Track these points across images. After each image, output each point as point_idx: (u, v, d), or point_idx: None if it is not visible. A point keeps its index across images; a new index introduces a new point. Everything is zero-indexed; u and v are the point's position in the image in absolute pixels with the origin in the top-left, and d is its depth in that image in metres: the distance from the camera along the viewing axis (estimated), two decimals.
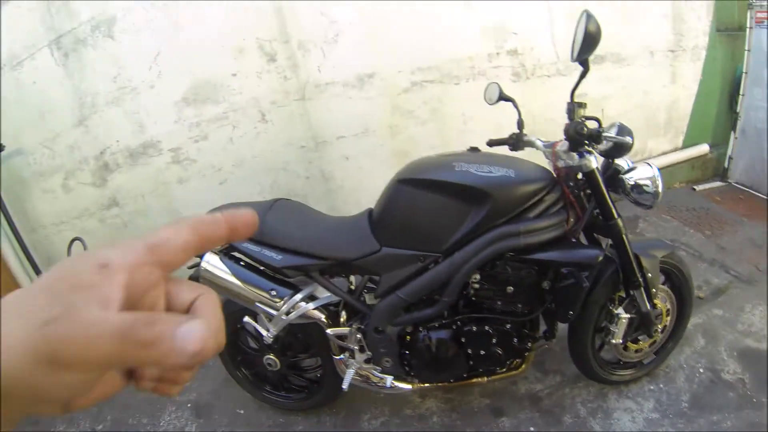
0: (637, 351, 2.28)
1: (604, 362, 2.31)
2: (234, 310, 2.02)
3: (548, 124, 3.43)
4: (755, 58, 3.74)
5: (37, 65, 2.68)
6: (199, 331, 0.31)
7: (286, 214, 2.01)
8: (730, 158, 4.23)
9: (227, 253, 1.96)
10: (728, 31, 3.94)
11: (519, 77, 3.37)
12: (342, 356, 2.05)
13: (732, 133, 4.14)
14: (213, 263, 1.90)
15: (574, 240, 1.91)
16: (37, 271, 2.93)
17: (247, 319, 2.02)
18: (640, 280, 1.98)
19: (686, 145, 4.22)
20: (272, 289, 1.90)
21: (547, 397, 2.41)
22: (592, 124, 1.77)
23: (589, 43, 1.58)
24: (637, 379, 2.41)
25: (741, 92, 3.92)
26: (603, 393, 2.38)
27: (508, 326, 1.94)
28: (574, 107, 1.79)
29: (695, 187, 4.24)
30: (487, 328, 1.92)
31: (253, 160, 2.98)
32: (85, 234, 2.82)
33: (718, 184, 4.30)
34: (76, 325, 0.28)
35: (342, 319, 2.02)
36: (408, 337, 1.99)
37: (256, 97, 2.85)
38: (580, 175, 1.85)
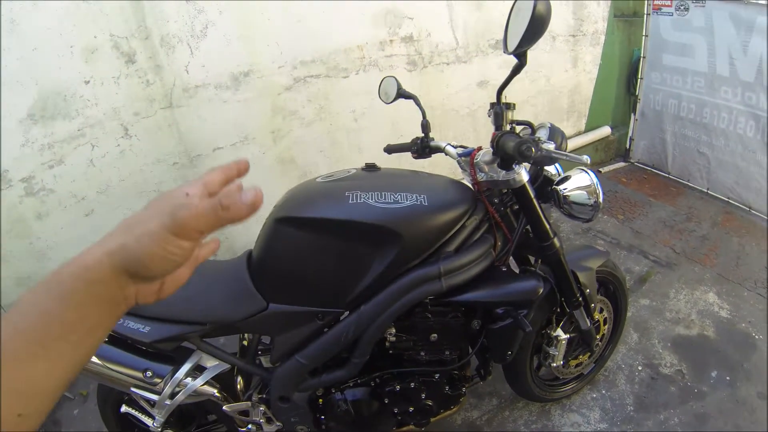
0: (577, 365, 2.06)
1: (543, 382, 2.08)
2: (106, 397, 1.69)
3: (449, 116, 3.21)
4: (653, 43, 3.82)
5: None
6: (254, 192, 0.51)
7: None
8: (632, 139, 4.31)
9: None
10: (625, 17, 4.00)
11: (415, 66, 3.01)
12: (248, 427, 1.64)
13: (632, 115, 4.23)
14: None
15: (504, 269, 1.56)
16: None
17: (124, 408, 1.58)
18: (580, 299, 1.73)
19: (589, 128, 4.21)
20: (146, 369, 1.45)
21: (486, 424, 2.16)
22: (518, 132, 1.46)
23: (535, 29, 1.14)
24: (578, 390, 2.24)
25: (639, 76, 3.99)
26: (546, 411, 2.19)
27: (437, 376, 1.58)
28: (502, 110, 1.41)
29: (600, 169, 4.27)
30: (412, 384, 1.55)
31: (120, 184, 2.46)
32: None
33: (621, 164, 4.36)
34: (190, 209, 0.49)
35: (240, 387, 1.64)
36: (320, 399, 1.61)
37: (115, 108, 2.32)
38: (505, 190, 1.52)
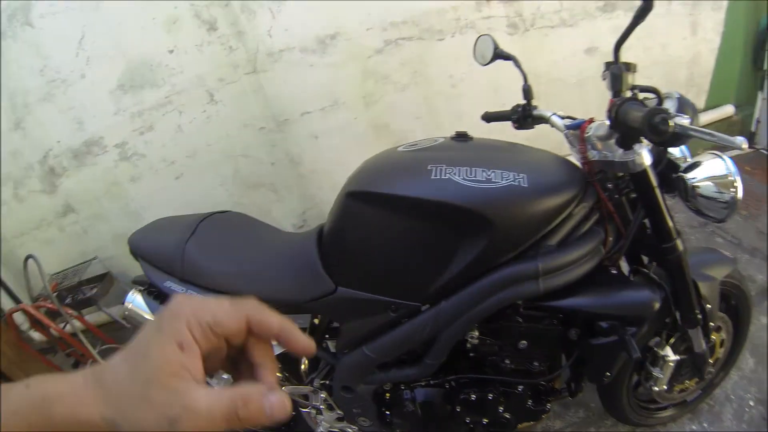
0: (681, 390, 1.76)
1: (639, 403, 1.80)
2: None
3: (554, 86, 2.89)
4: None
5: None
6: (281, 402, 0.40)
7: (217, 239, 1.48)
8: (758, 121, 3.71)
9: (152, 291, 1.51)
10: None
11: (516, 29, 2.72)
12: (308, 410, 1.55)
13: (759, 93, 3.63)
14: (136, 303, 1.52)
15: (614, 271, 1.30)
16: (4, 287, 2.89)
17: None
18: (699, 316, 1.42)
19: (709, 106, 3.66)
20: None
21: None
22: (642, 99, 1.14)
23: None
24: (677, 418, 1.92)
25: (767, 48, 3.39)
26: None
27: (520, 388, 1.38)
28: (620, 71, 1.11)
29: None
30: (490, 395, 1.36)
31: (207, 148, 2.52)
32: (46, 245, 2.82)
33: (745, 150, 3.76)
34: (193, 419, 0.37)
35: (304, 368, 1.54)
36: (387, 394, 1.46)
37: (200, 75, 2.35)
38: (621, 173, 1.25)
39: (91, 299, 2.46)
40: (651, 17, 2.88)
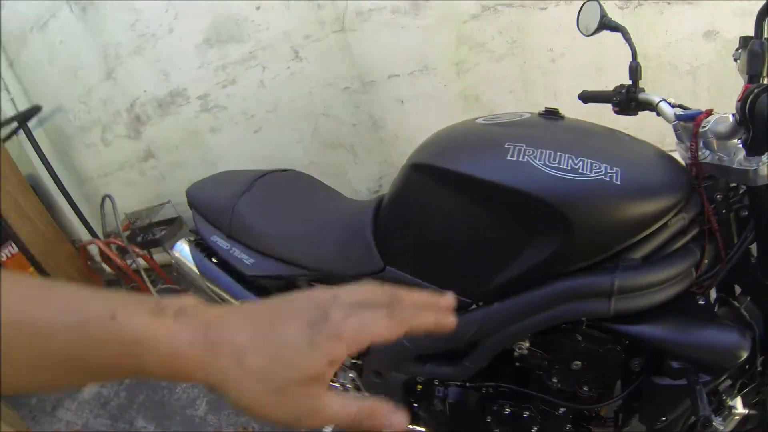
0: None
1: None
2: None
3: (663, 71, 2.52)
4: None
5: (60, 24, 2.72)
6: (400, 422, 0.39)
7: (271, 198, 1.43)
8: None
9: (200, 244, 1.50)
10: None
11: (628, 2, 2.37)
12: (335, 385, 1.50)
13: None
14: (183, 253, 1.51)
15: (701, 301, 1.07)
16: (84, 222, 3.14)
17: None
18: None
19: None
20: (243, 301, 1.36)
21: None
22: None
23: None
24: None
25: None
26: None
27: (562, 411, 1.21)
28: (763, 49, 0.84)
29: None
30: (526, 413, 1.21)
31: (289, 104, 2.49)
32: (128, 185, 3.09)
33: None
34: (320, 419, 0.38)
35: None
36: (419, 386, 1.37)
37: (286, 32, 2.30)
38: (735, 183, 1.02)
39: (159, 240, 2.60)
40: None
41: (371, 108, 2.43)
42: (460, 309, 1.12)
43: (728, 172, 0.95)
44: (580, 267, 1.00)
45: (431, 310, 0.43)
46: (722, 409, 1.22)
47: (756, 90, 0.81)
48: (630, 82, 1.21)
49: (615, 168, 0.95)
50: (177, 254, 1.50)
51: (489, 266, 1.06)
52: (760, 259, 1.04)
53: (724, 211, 1.02)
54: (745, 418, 1.25)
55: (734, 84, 3.02)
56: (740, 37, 0.91)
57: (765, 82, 0.84)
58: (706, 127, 0.95)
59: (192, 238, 1.54)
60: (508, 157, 0.98)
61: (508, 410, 1.21)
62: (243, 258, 1.32)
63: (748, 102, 0.82)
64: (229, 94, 2.50)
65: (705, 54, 2.56)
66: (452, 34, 2.28)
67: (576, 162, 0.96)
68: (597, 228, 0.97)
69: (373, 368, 1.33)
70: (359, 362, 1.38)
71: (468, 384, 1.27)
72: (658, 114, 1.12)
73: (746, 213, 1.03)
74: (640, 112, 1.23)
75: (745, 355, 1.00)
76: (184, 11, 2.39)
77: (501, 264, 1.04)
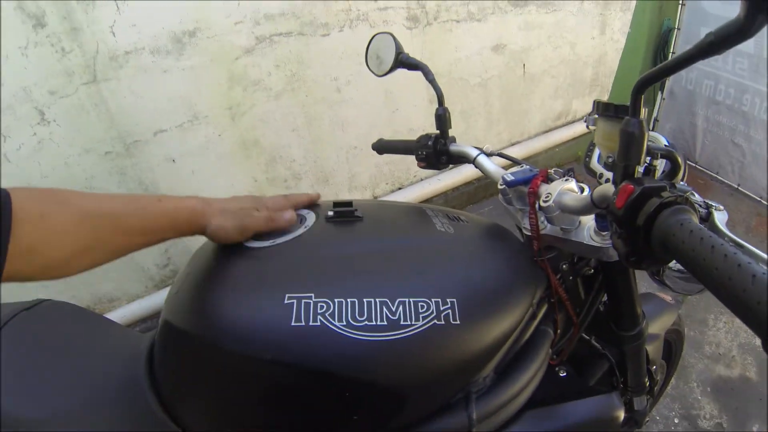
0: None
1: None
2: None
3: (456, 86, 2.59)
4: (690, 14, 3.23)
5: None
6: (289, 214, 0.78)
7: (21, 363, 0.90)
8: (656, 120, 3.75)
9: None
10: None
11: (417, 22, 2.34)
12: None
13: (659, 93, 3.65)
14: None
15: (562, 374, 0.96)
16: None
17: None
18: (647, 383, 1.17)
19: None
20: None
21: None
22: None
23: None
24: None
25: (671, 49, 3.44)
26: None
27: None
28: (639, 129, 0.59)
29: None
30: None
31: (43, 181, 1.90)
32: None
33: None
34: (252, 220, 0.74)
35: None
36: None
37: (25, 88, 1.75)
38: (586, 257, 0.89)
39: None
40: (564, 14, 2.63)
41: (140, 172, 2.02)
42: None
43: (576, 247, 0.79)
44: (426, 414, 0.74)
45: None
46: None
47: (635, 186, 0.56)
48: (437, 132, 1.03)
49: (449, 300, 0.69)
50: None
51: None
52: (612, 314, 0.97)
53: (570, 278, 0.89)
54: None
55: (522, 90, 3.06)
56: (595, 101, 0.74)
57: (638, 174, 0.64)
58: (549, 201, 0.75)
59: None
60: (293, 323, 0.64)
61: None
62: None
63: (632, 200, 0.56)
64: None
65: (495, 66, 2.77)
66: (223, 73, 1.99)
67: (394, 308, 0.67)
68: (437, 379, 0.71)
69: None
70: None
71: None
72: (480, 170, 0.96)
73: (592, 271, 0.92)
74: (452, 166, 1.08)
75: (622, 415, 0.93)
76: None
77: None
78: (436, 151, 1.02)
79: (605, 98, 3.28)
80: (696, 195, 0.74)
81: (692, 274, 0.48)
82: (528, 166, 0.84)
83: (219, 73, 1.98)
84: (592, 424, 0.89)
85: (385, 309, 0.66)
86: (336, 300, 0.66)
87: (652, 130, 3.37)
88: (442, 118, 1.00)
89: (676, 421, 1.92)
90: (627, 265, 0.59)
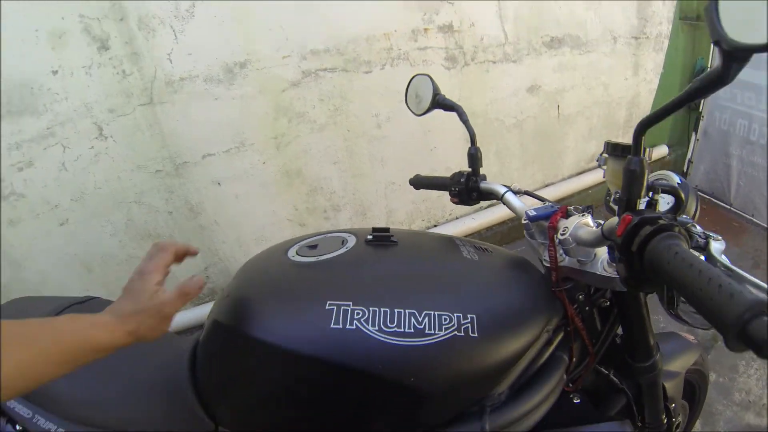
0: None
1: None
2: None
3: (491, 126, 2.66)
4: None
5: None
6: (198, 280, 0.75)
7: None
8: (690, 162, 3.70)
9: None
10: (690, 20, 3.37)
11: (455, 63, 2.43)
12: None
13: (693, 134, 3.62)
14: None
15: (577, 401, 1.01)
16: None
17: None
18: (665, 421, 1.18)
19: (644, 145, 3.56)
20: None
21: None
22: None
23: None
24: None
25: None
26: None
27: None
28: (641, 169, 0.68)
29: None
30: None
31: (96, 191, 2.04)
32: None
33: None
34: (172, 305, 0.72)
35: None
36: None
37: (87, 104, 1.89)
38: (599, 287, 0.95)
39: None
40: (598, 56, 2.68)
41: (186, 193, 2.15)
42: None
43: (590, 278, 0.85)
44: (443, 422, 0.82)
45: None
46: None
47: (633, 217, 0.64)
48: (469, 170, 1.11)
49: (469, 315, 0.78)
50: None
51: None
52: (627, 345, 1.01)
53: (587, 308, 0.95)
54: None
55: (557, 131, 3.09)
56: (605, 143, 0.83)
57: (640, 206, 0.72)
58: (566, 234, 0.83)
59: None
60: (332, 325, 0.74)
61: None
62: (50, 429, 0.95)
63: (628, 230, 0.64)
64: (26, 179, 1.98)
65: (529, 107, 2.83)
66: (270, 104, 2.11)
67: (420, 319, 0.76)
68: (455, 387, 0.79)
69: None
70: None
71: None
72: (507, 206, 1.03)
73: (608, 303, 0.97)
74: (483, 202, 1.13)
75: None
76: None
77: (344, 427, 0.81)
78: (467, 188, 1.10)
79: None
80: (697, 227, 0.79)
81: (681, 294, 0.55)
82: (551, 204, 0.92)
83: (266, 104, 2.08)
84: None
85: (412, 319, 0.75)
86: (371, 309, 0.76)
87: (686, 171, 3.36)
88: (474, 157, 1.08)
89: None
90: (626, 287, 0.67)
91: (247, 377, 0.84)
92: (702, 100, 3.35)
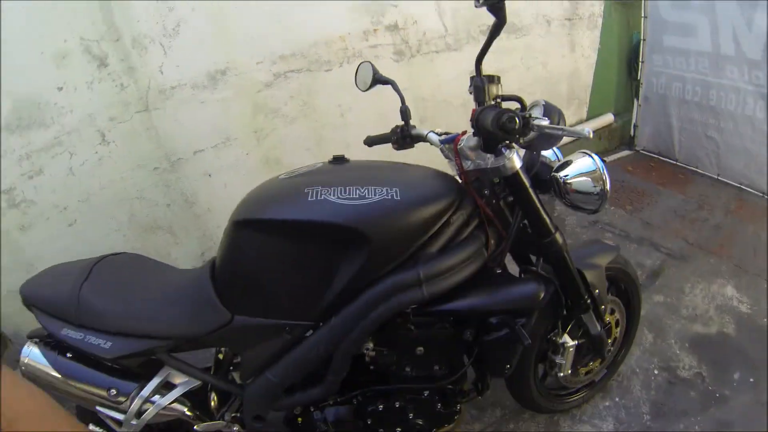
0: (587, 373, 1.83)
1: (549, 392, 1.84)
2: (84, 415, 1.49)
3: (440, 107, 3.00)
4: (652, 25, 3.56)
5: None
6: None
7: (112, 280, 1.40)
8: (635, 126, 4.04)
9: (50, 342, 1.39)
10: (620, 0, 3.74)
11: (402, 56, 2.79)
12: None
13: (635, 100, 3.96)
14: (33, 357, 1.36)
15: (498, 271, 1.35)
16: None
17: (92, 427, 1.46)
18: (588, 301, 1.49)
19: (591, 116, 3.95)
20: (111, 387, 1.32)
21: None
22: (511, 106, 1.21)
23: None
24: (589, 399, 1.99)
25: (641, 59, 3.74)
26: (554, 422, 1.94)
27: (426, 393, 1.38)
28: (483, 83, 1.21)
29: (605, 158, 3.91)
30: (396, 403, 1.36)
31: (101, 192, 2.33)
32: None
33: (626, 152, 4.09)
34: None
35: (214, 404, 1.46)
36: (299, 419, 1.42)
37: (90, 114, 2.19)
38: (497, 179, 1.30)
39: None
40: (532, 38, 3.00)
41: (182, 185, 2.45)
42: (308, 330, 1.26)
43: (487, 172, 1.24)
44: (389, 269, 1.19)
45: None
46: (557, 348, 1.61)
47: (478, 110, 1.17)
48: (403, 123, 1.45)
49: (394, 188, 1.19)
50: (27, 360, 1.35)
51: (317, 290, 1.21)
52: (532, 227, 1.34)
53: (494, 201, 1.31)
54: (579, 348, 1.64)
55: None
56: (470, 77, 1.24)
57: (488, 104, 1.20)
58: (462, 144, 1.25)
59: (38, 338, 1.39)
60: (309, 199, 1.16)
61: (380, 407, 1.35)
62: (99, 343, 1.27)
63: (475, 119, 1.17)
64: (36, 186, 2.23)
65: None
66: (248, 104, 2.44)
67: (362, 191, 1.17)
68: (391, 236, 1.18)
69: (253, 415, 1.35)
70: (239, 415, 1.41)
71: (339, 399, 1.38)
72: (429, 143, 1.37)
73: (511, 199, 1.32)
74: (416, 145, 1.46)
75: (542, 294, 1.28)
76: None
77: (325, 285, 1.20)
78: (402, 135, 1.45)
79: (585, 110, 3.61)
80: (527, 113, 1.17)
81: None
82: (458, 133, 1.30)
83: (245, 104, 2.42)
84: (518, 299, 1.28)
85: (357, 190, 1.16)
86: (331, 187, 1.16)
87: (633, 135, 3.69)
88: (404, 113, 1.43)
89: (655, 372, 2.08)
90: (489, 149, 1.18)
91: (256, 254, 1.21)
92: (639, 69, 3.70)
